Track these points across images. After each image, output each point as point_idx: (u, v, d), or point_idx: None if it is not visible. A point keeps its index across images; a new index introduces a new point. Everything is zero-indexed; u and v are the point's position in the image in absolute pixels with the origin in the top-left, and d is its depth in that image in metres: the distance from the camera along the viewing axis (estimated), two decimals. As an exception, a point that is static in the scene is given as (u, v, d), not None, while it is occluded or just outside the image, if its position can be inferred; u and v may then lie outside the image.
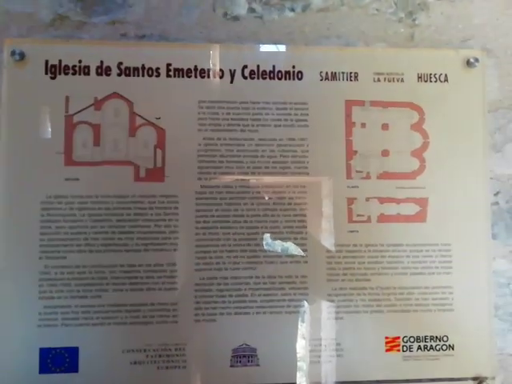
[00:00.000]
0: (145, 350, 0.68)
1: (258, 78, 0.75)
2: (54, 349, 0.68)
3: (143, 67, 0.73)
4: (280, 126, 0.74)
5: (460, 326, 0.75)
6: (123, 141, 0.71)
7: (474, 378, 0.75)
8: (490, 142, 0.81)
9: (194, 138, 0.72)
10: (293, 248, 0.73)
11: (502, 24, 0.85)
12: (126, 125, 0.72)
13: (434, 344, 0.75)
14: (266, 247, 0.72)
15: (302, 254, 0.73)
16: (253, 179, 0.73)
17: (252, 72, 0.74)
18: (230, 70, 0.74)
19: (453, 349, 0.75)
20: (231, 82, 0.74)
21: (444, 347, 0.75)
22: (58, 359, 0.67)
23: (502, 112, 0.84)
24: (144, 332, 0.68)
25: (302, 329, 0.72)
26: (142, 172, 0.71)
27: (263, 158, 0.73)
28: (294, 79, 0.75)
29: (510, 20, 0.85)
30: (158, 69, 0.73)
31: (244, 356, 0.70)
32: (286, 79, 0.75)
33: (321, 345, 0.72)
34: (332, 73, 0.76)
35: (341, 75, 0.77)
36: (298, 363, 0.71)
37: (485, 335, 0.76)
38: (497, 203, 0.82)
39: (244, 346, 0.70)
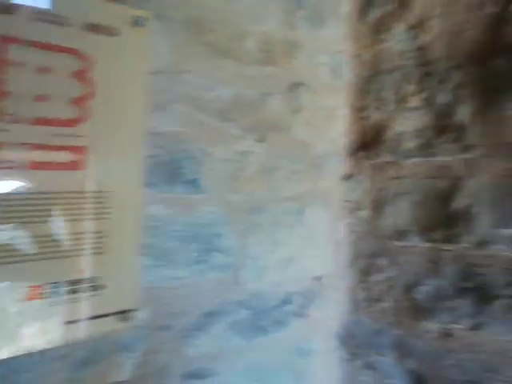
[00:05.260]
0: None
1: None
2: None
3: None
4: None
5: (111, 267, 0.83)
6: None
7: (118, 313, 0.84)
8: (156, 100, 0.89)
9: None
10: None
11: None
12: None
13: (83, 286, 0.79)
14: None
15: None
16: None
17: None
18: None
19: (103, 289, 0.82)
20: None
21: (95, 288, 0.81)
22: None
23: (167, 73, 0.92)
24: None
25: None
26: None
27: None
28: None
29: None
30: None
31: None
32: None
33: None
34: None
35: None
36: None
37: (132, 272, 0.86)
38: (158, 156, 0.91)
39: None
